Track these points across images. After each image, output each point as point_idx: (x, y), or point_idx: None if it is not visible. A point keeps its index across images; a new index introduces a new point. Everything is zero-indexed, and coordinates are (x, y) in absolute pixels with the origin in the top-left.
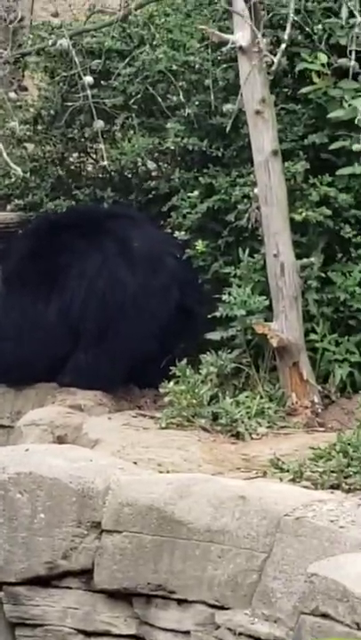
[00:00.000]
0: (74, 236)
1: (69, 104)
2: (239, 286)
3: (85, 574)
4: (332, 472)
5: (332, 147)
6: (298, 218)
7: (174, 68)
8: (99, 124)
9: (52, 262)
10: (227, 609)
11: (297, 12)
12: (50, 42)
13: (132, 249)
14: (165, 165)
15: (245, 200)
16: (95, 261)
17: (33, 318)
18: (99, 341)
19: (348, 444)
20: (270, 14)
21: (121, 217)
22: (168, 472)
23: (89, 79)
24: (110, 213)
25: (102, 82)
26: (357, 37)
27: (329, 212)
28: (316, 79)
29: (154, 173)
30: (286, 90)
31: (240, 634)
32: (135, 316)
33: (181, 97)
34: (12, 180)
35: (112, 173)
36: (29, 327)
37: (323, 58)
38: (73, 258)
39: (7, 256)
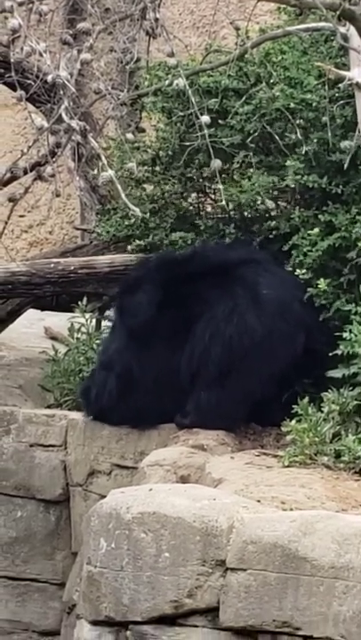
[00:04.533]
0: (203, 285)
1: (187, 144)
2: (360, 324)
3: (211, 612)
4: None
5: None
6: None
7: (292, 105)
8: (216, 163)
9: (186, 314)
10: None
11: None
12: (166, 82)
13: (260, 296)
14: (285, 204)
15: None
16: (225, 309)
17: (169, 371)
18: (221, 381)
19: None
20: None
21: (248, 262)
22: (291, 510)
23: (206, 119)
24: (238, 260)
25: (219, 121)
26: None
27: None
28: None
29: (273, 212)
30: None
31: None
32: (260, 360)
33: (299, 135)
34: (132, 220)
35: (231, 213)
36: (166, 379)
37: None
38: (205, 308)
39: (132, 310)
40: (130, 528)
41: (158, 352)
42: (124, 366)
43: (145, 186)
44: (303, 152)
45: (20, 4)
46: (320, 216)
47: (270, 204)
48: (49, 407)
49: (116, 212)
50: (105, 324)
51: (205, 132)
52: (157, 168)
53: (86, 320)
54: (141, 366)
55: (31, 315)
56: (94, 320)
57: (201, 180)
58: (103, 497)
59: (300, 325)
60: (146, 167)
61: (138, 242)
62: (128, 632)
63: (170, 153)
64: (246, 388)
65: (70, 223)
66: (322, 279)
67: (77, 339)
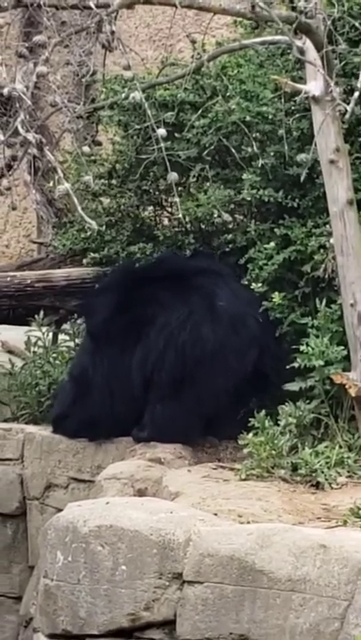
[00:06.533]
0: (160, 289)
1: (143, 157)
2: (317, 337)
3: (168, 625)
4: None
5: None
6: None
7: (248, 119)
8: (173, 176)
9: (140, 316)
10: None
11: None
12: (123, 95)
13: (216, 307)
14: (241, 217)
15: (322, 250)
16: (179, 315)
17: (120, 373)
18: (175, 393)
19: None
20: (343, 63)
21: (207, 272)
22: (248, 523)
23: (162, 132)
24: (198, 269)
25: (176, 134)
26: None
27: None
28: None
29: (230, 225)
30: None
31: None
32: (213, 371)
33: (255, 148)
34: (88, 234)
35: (188, 226)
36: (117, 381)
37: None
38: (159, 311)
39: (91, 311)
40: (87, 541)
41: (112, 353)
42: (81, 369)
43: (101, 199)
44: (260, 165)
45: None
46: (276, 229)
47: (227, 217)
48: (5, 421)
49: (72, 225)
50: (62, 337)
51: (162, 145)
52: (114, 181)
53: (43, 334)
54: (95, 368)
55: None
56: (51, 334)
57: (157, 194)
58: (60, 510)
59: (252, 342)
60: (102, 180)
61: (93, 255)
62: None
63: (126, 166)
64: (201, 400)
65: (27, 237)
66: (276, 292)
67: (34, 352)
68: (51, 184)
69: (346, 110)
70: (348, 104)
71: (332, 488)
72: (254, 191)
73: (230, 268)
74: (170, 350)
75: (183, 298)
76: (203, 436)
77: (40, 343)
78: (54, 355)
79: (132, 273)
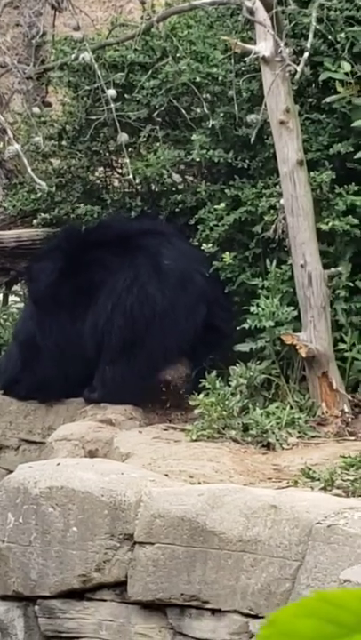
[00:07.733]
0: (105, 253)
1: (93, 118)
2: (267, 297)
3: (119, 586)
4: None
5: (358, 156)
6: (324, 227)
7: (198, 79)
8: (123, 137)
9: (86, 281)
10: (261, 617)
11: (319, 20)
12: (72, 56)
13: (162, 266)
14: (191, 178)
15: (272, 211)
16: (126, 278)
17: (72, 338)
18: (125, 355)
19: None
20: (292, 23)
21: (152, 233)
22: (199, 483)
23: (112, 92)
24: (142, 230)
25: (126, 95)
26: None
27: (356, 221)
28: (340, 88)
29: (180, 186)
30: (310, 99)
31: None
32: (162, 332)
33: (205, 109)
34: (38, 195)
35: (138, 187)
36: (68, 347)
37: (346, 67)
38: (106, 275)
39: (34, 277)
40: (38, 503)
41: (60, 319)
42: (27, 335)
43: (51, 160)
44: (209, 126)
45: None
46: (226, 190)
47: (177, 177)
48: None
49: (22, 186)
50: (12, 298)
51: (112, 105)
52: (64, 142)
53: None
54: (44, 334)
55: None
56: (1, 295)
57: (108, 154)
58: (11, 472)
59: (200, 297)
60: (52, 141)
61: (43, 216)
62: (36, 607)
63: (76, 127)
64: (151, 361)
65: None
66: (227, 252)
67: None
68: (0, 145)
69: (296, 71)
70: (297, 65)
71: (282, 448)
72: (204, 152)
73: (176, 228)
74: (118, 313)
75: (129, 260)
76: (154, 397)
77: None
78: (5, 316)
79: (76, 237)
